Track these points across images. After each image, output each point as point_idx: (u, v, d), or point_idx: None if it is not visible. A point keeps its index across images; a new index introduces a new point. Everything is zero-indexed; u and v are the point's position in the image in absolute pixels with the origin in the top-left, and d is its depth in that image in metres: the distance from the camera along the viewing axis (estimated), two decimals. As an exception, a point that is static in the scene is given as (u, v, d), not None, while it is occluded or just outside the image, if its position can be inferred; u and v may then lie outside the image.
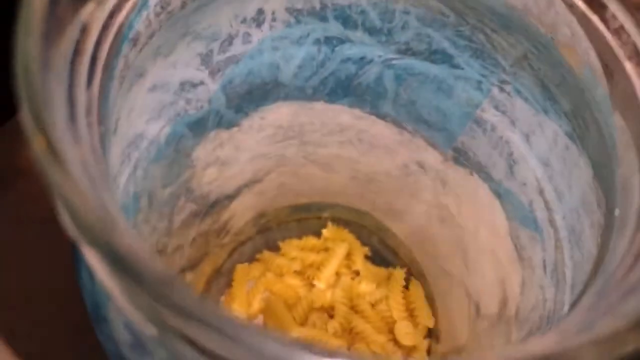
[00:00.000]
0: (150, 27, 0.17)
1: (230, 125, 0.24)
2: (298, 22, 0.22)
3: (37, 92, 0.11)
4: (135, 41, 0.16)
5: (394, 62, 0.24)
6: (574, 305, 0.17)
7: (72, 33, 0.13)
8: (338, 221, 0.32)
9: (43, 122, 0.11)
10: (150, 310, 0.11)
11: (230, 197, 0.28)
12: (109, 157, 0.14)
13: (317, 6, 0.22)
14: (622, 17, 0.15)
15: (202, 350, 0.11)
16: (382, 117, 0.26)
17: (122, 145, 0.20)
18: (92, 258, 0.12)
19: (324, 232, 0.31)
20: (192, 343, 0.11)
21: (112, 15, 0.14)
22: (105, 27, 0.14)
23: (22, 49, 0.11)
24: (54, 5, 0.12)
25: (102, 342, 0.16)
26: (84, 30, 0.13)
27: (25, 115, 0.11)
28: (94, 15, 0.14)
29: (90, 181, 0.11)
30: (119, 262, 0.10)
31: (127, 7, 0.15)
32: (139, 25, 0.16)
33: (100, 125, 0.13)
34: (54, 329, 0.26)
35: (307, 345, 0.10)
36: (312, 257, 0.31)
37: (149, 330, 0.12)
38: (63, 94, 0.12)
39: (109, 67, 0.14)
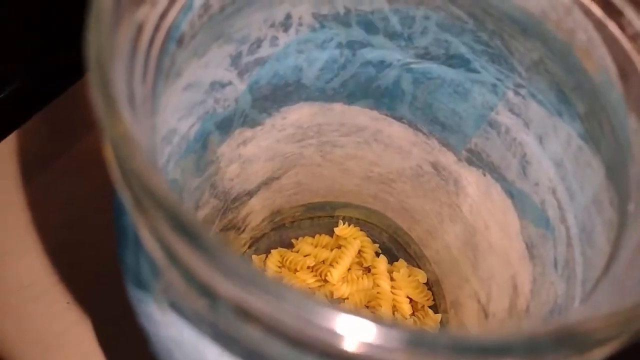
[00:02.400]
0: (193, 29, 0.18)
1: (254, 124, 0.25)
2: (322, 26, 0.23)
3: (108, 77, 0.12)
4: (180, 41, 0.17)
5: (412, 66, 0.25)
6: (583, 301, 0.18)
7: (130, 31, 0.14)
8: (350, 220, 0.33)
9: (117, 108, 0.12)
10: (204, 284, 0.12)
11: (250, 194, 0.29)
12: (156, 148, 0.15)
13: (342, 12, 0.23)
14: (638, 23, 0.16)
15: (253, 319, 0.12)
16: (399, 118, 0.27)
17: (157, 140, 0.21)
18: (147, 237, 0.13)
19: (336, 230, 0.32)
20: (242, 312, 0.12)
21: (162, 16, 0.15)
22: (157, 28, 0.15)
23: (95, 37, 0.12)
24: (118, 5, 0.13)
25: (143, 322, 0.17)
26: (140, 29, 0.14)
27: (97, 97, 0.12)
28: (148, 16, 0.15)
29: (153, 162, 0.12)
30: (185, 232, 0.11)
31: (176, 8, 0.16)
32: (185, 26, 0.17)
33: (151, 118, 0.14)
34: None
35: (346, 308, 0.11)
36: (325, 254, 0.32)
37: (200, 305, 0.13)
38: (125, 85, 0.13)
39: (159, 65, 0.15)
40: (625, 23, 0.17)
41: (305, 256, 0.32)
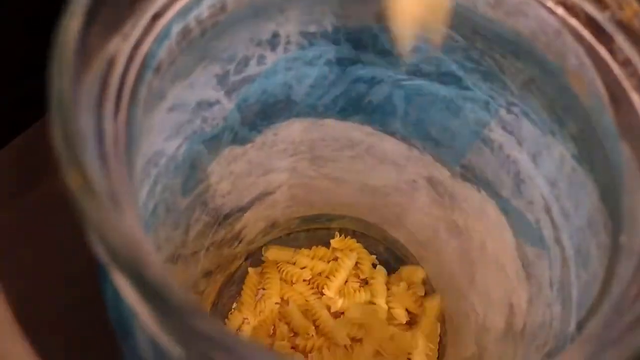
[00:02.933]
0: (172, 55, 0.17)
1: (244, 141, 0.25)
2: (311, 44, 0.23)
3: (70, 126, 0.12)
4: (158, 69, 0.16)
5: (403, 82, 0.24)
6: (579, 330, 0.17)
7: (100, 66, 0.14)
8: (346, 232, 0.32)
9: (77, 158, 0.11)
10: (177, 334, 0.12)
11: (243, 209, 0.28)
12: (134, 179, 0.15)
13: (330, 29, 0.22)
14: (629, 49, 0.16)
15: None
16: (392, 133, 0.26)
17: (143, 162, 0.21)
18: (120, 282, 0.13)
19: (332, 242, 0.32)
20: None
21: (136, 47, 0.15)
22: (130, 59, 0.15)
23: (56, 86, 0.12)
24: (85, 42, 0.13)
25: (126, 354, 0.17)
26: (111, 63, 0.14)
27: (60, 151, 0.11)
28: (119, 48, 0.14)
29: (119, 211, 0.12)
30: (149, 293, 0.11)
31: (151, 38, 0.16)
32: (162, 54, 0.16)
33: (127, 152, 0.14)
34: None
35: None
36: (322, 266, 0.31)
37: (175, 351, 0.12)
38: (92, 126, 0.13)
39: (134, 96, 0.15)
40: (615, 49, 0.16)
41: (302, 268, 0.32)
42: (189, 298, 0.11)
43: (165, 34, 0.16)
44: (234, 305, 0.31)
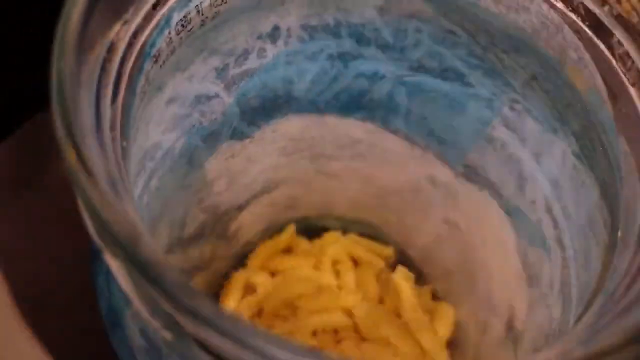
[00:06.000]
0: (171, 45, 0.17)
1: (242, 137, 0.25)
2: (312, 38, 0.23)
3: (70, 107, 0.11)
4: (156, 58, 0.16)
5: (406, 78, 0.24)
6: (575, 323, 0.17)
7: (100, 51, 0.13)
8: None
9: (74, 136, 0.11)
10: (168, 317, 0.11)
11: (240, 208, 0.28)
12: (129, 170, 0.15)
13: (332, 23, 0.22)
14: (628, 44, 0.16)
15: (216, 355, 0.11)
16: (394, 131, 0.26)
17: (139, 156, 0.20)
18: (114, 266, 0.12)
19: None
20: (206, 348, 0.12)
21: (136, 34, 0.15)
22: (130, 46, 0.15)
23: (57, 66, 0.12)
24: (86, 26, 0.13)
25: (116, 347, 0.16)
26: (111, 48, 0.14)
27: (57, 128, 0.11)
28: (120, 35, 0.14)
29: (115, 193, 0.12)
30: (143, 271, 0.11)
31: (151, 26, 0.15)
32: (161, 43, 0.16)
33: (123, 140, 0.14)
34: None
35: (318, 354, 0.11)
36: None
37: (166, 335, 0.12)
38: (91, 109, 0.13)
39: (131, 84, 0.15)
40: (614, 43, 0.16)
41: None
42: (183, 278, 0.11)
43: (165, 22, 0.16)
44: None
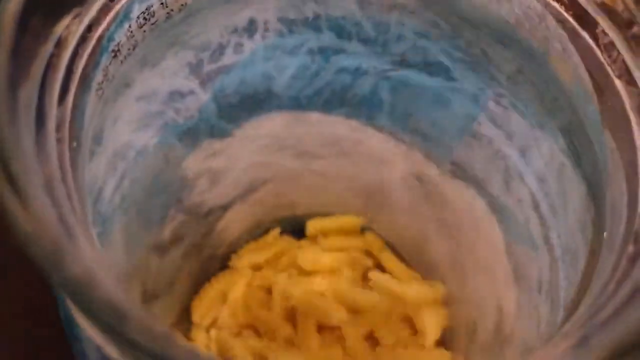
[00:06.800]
0: (133, 39, 0.16)
1: (222, 135, 0.24)
2: (291, 32, 0.22)
3: (2, 114, 0.11)
4: (116, 53, 0.15)
5: (389, 73, 0.23)
6: (561, 326, 0.16)
7: (45, 48, 0.13)
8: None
9: (5, 149, 0.10)
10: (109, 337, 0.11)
11: (224, 208, 0.27)
12: (83, 172, 0.14)
13: (311, 17, 0.21)
14: (613, 34, 0.15)
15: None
16: (379, 128, 0.25)
17: (108, 155, 0.20)
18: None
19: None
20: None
21: (90, 28, 0.14)
22: (83, 40, 0.14)
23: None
24: (26, 21, 0.12)
25: (75, 357, 0.16)
26: (59, 44, 0.13)
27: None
28: (70, 29, 0.13)
29: (51, 200, 0.11)
30: (69, 291, 0.10)
31: (107, 19, 0.15)
32: (120, 37, 0.15)
33: (73, 140, 0.13)
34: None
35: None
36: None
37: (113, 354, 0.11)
38: (31, 110, 0.12)
39: (85, 80, 0.14)
40: (599, 33, 0.15)
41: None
42: (115, 296, 0.10)
43: (124, 15, 0.15)
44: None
